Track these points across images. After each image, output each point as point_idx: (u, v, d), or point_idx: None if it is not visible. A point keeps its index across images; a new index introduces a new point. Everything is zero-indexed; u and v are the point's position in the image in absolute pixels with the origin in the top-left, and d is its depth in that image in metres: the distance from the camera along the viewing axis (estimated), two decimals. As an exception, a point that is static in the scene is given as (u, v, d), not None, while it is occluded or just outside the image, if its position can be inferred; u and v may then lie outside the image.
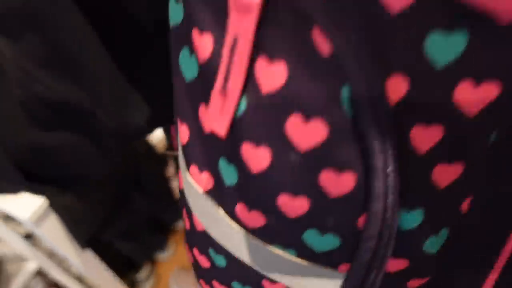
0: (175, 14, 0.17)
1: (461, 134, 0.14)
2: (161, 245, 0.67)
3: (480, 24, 0.12)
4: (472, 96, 0.13)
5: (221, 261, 0.21)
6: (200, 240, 0.22)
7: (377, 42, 0.12)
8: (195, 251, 0.23)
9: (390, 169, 0.13)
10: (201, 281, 0.25)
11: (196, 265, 0.24)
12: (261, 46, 0.13)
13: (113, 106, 0.29)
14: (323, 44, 0.12)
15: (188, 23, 0.16)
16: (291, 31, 0.13)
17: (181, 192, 0.23)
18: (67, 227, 0.37)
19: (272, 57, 0.13)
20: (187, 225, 0.23)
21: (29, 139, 0.30)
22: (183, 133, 0.19)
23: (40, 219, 0.34)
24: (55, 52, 0.25)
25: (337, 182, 0.14)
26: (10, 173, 0.33)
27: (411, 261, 0.17)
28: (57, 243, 0.37)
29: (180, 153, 0.21)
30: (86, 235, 0.39)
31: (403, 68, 0.12)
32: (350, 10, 0.12)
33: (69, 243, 0.39)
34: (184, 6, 0.16)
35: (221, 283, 0.22)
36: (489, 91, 0.13)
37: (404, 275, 0.17)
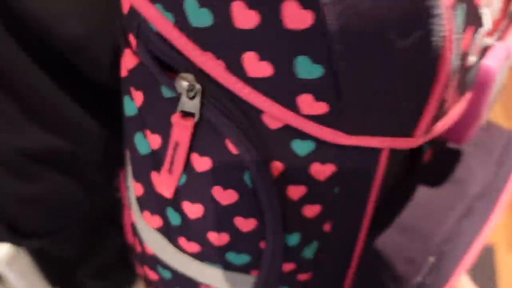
0: (129, 108, 0.24)
1: (317, 190, 0.23)
2: (131, 282, 0.68)
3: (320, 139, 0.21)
4: (320, 169, 0.22)
5: (167, 274, 0.28)
6: (150, 261, 0.29)
7: (263, 148, 0.20)
8: (146, 268, 0.30)
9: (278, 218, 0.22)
10: None
11: (146, 279, 0.32)
12: (194, 147, 0.21)
13: (94, 141, 0.30)
14: (232, 149, 0.21)
15: (141, 120, 0.23)
16: (212, 139, 0.21)
17: (133, 226, 0.29)
18: (39, 267, 0.36)
19: (201, 154, 0.21)
20: (139, 249, 0.30)
21: (10, 192, 0.30)
22: (138, 188, 0.26)
23: (11, 259, 0.33)
24: (28, 106, 0.27)
25: (245, 223, 0.23)
26: None
27: (297, 263, 0.26)
28: (27, 283, 0.36)
29: (132, 199, 0.28)
30: (58, 275, 0.38)
31: (279, 158, 0.21)
32: (246, 128, 0.20)
33: (40, 284, 0.38)
34: (137, 108, 0.23)
35: None
36: (329, 169, 0.22)
37: (294, 272, 0.26)
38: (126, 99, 0.24)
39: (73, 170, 0.31)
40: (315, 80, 0.17)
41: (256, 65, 0.18)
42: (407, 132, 0.19)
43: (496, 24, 0.22)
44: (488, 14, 0.20)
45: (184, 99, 0.20)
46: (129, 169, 0.28)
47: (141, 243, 0.28)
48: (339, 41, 0.16)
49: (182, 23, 0.18)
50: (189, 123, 0.20)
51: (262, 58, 0.17)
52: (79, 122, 0.29)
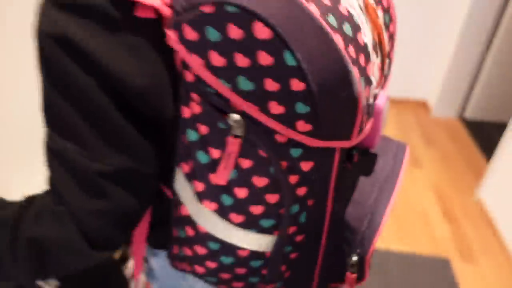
0: (192, 136, 0.39)
1: (305, 177, 0.41)
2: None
3: None
4: (305, 164, 0.40)
5: (215, 246, 0.43)
6: (202, 239, 0.43)
7: (276, 153, 0.39)
8: (195, 247, 0.44)
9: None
10: (196, 266, 0.45)
11: (193, 256, 0.45)
12: (240, 154, 0.38)
13: (153, 159, 0.41)
14: (263, 154, 0.38)
15: (204, 142, 0.39)
16: (251, 149, 0.38)
17: (180, 218, 0.43)
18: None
19: (244, 158, 0.38)
20: (191, 233, 0.43)
21: (86, 208, 0.37)
22: (199, 185, 0.41)
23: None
24: None
25: (272, 197, 0.40)
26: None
27: (297, 227, 0.43)
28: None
29: (189, 196, 0.42)
30: None
31: (285, 159, 0.39)
32: (269, 143, 0.38)
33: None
34: (201, 135, 0.39)
35: (213, 261, 0.43)
36: (310, 163, 0.40)
37: (294, 234, 0.43)
38: (189, 131, 0.39)
39: (135, 185, 0.40)
40: (306, 112, 0.35)
41: (276, 108, 0.35)
42: (348, 137, 0.38)
43: (378, 83, 0.44)
44: (374, 79, 0.41)
45: (234, 128, 0.36)
46: (180, 177, 0.42)
47: (194, 227, 0.42)
48: (318, 95, 0.34)
49: (234, 87, 0.35)
50: (238, 141, 0.37)
51: (279, 103, 0.35)
52: (143, 146, 0.39)
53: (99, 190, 0.39)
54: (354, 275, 0.46)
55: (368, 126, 0.40)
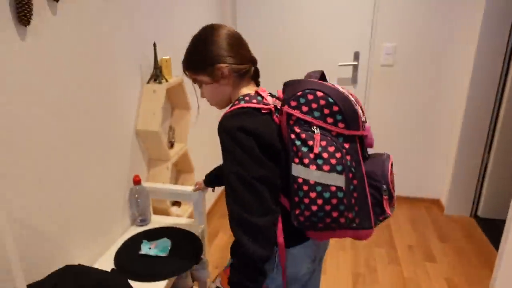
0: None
1: None
2: None
3: None
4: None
5: (319, 188, 0.86)
6: (312, 186, 0.87)
7: None
8: (310, 194, 0.87)
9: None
10: (308, 212, 0.88)
11: (308, 203, 0.88)
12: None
13: (278, 175, 0.97)
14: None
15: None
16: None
17: (300, 184, 0.89)
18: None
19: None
20: (305, 188, 0.88)
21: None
22: (305, 160, 0.87)
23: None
24: None
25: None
26: None
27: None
28: None
29: (302, 167, 0.89)
30: None
31: None
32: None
33: None
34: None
35: (320, 198, 0.87)
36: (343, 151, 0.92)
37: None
38: (295, 141, 0.91)
39: (270, 185, 0.90)
40: (341, 119, 0.91)
41: (329, 120, 0.91)
42: (359, 129, 0.91)
43: (362, 114, 0.96)
44: (361, 114, 0.95)
45: (315, 130, 0.90)
46: (294, 166, 0.89)
47: (307, 183, 0.87)
48: (344, 111, 0.92)
49: (313, 116, 0.90)
50: (318, 135, 0.89)
51: (330, 118, 0.91)
52: (273, 167, 0.92)
53: (254, 188, 0.90)
54: (386, 197, 0.93)
55: (365, 130, 0.93)
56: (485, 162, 2.61)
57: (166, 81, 1.70)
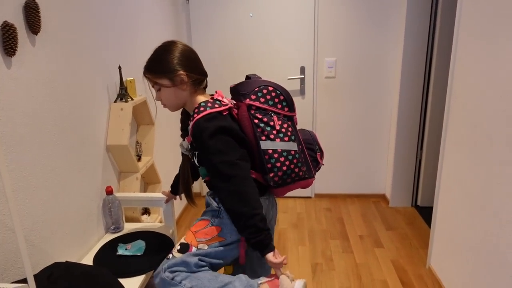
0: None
1: None
2: None
3: None
4: None
5: (285, 153, 1.23)
6: (280, 153, 1.23)
7: None
8: (280, 158, 1.22)
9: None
10: (279, 172, 1.23)
11: (279, 166, 1.22)
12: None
13: (248, 159, 1.25)
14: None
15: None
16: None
17: (270, 155, 1.23)
18: None
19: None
20: (276, 155, 1.22)
21: None
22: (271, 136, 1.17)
23: None
24: None
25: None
26: None
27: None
28: None
29: (270, 141, 1.20)
30: None
31: None
32: None
33: None
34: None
35: (286, 160, 1.22)
36: None
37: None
38: (262, 125, 1.23)
39: (246, 162, 1.19)
40: (285, 104, 1.30)
41: (280, 105, 1.29)
42: (294, 111, 1.34)
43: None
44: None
45: (273, 114, 1.26)
46: (264, 142, 1.22)
47: (276, 151, 1.23)
48: (287, 98, 1.32)
49: (267, 104, 1.27)
50: (276, 117, 1.25)
51: (280, 104, 1.30)
52: (244, 151, 1.20)
53: (237, 166, 1.16)
54: (319, 153, 1.35)
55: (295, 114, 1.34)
56: (419, 158, 2.98)
57: (132, 99, 1.88)
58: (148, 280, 1.48)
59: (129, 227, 1.81)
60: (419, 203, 3.06)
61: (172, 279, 1.14)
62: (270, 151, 1.20)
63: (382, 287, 2.14)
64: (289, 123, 1.26)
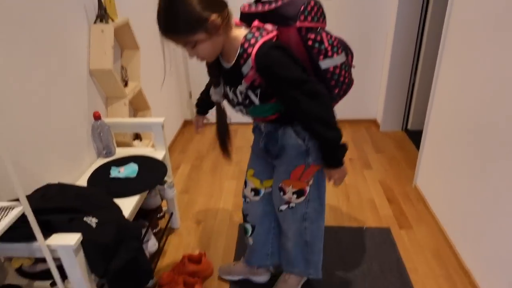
0: None
1: None
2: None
3: None
4: None
5: (335, 76, 1.20)
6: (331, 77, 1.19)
7: None
8: (346, 74, 1.21)
9: None
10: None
11: (347, 86, 1.24)
12: None
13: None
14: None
15: None
16: None
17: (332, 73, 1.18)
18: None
19: None
20: (333, 83, 1.19)
21: None
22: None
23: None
24: None
25: None
26: None
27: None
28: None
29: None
30: None
31: None
32: None
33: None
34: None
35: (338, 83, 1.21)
36: None
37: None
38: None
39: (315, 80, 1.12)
40: None
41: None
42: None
43: None
44: None
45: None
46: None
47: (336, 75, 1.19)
48: None
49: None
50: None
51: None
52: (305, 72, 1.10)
53: (319, 84, 1.12)
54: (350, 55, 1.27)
55: None
56: (412, 82, 2.95)
57: (113, 20, 1.77)
58: (142, 201, 1.52)
59: (121, 151, 1.82)
60: (409, 127, 3.10)
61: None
62: (332, 69, 1.15)
63: (369, 205, 2.23)
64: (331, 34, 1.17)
